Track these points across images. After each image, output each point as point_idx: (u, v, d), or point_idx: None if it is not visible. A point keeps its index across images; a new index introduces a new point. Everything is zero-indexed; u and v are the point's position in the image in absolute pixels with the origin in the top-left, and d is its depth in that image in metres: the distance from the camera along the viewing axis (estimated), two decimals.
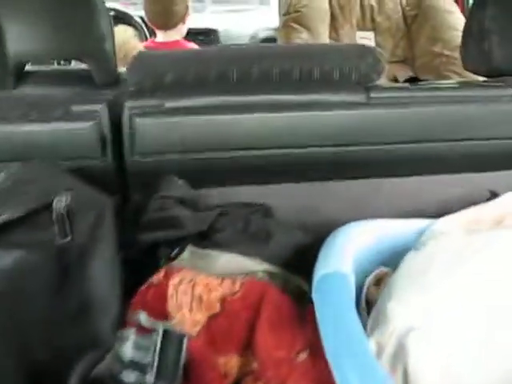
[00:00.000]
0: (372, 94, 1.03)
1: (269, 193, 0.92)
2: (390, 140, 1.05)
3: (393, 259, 0.79)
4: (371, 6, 1.81)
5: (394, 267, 0.76)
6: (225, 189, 0.93)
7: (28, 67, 1.55)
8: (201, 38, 3.28)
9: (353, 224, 0.84)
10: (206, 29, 3.30)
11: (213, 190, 0.93)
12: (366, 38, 1.82)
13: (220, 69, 1.01)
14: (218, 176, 0.98)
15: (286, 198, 0.92)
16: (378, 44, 1.81)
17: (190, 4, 2.80)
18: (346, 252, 0.76)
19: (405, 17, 1.82)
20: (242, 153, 1.00)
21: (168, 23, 2.58)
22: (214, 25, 3.40)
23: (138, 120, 0.99)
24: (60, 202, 0.73)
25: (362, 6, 1.81)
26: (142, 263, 0.81)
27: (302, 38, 1.68)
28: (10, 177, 0.81)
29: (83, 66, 1.31)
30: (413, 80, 1.77)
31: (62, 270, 0.71)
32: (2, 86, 1.45)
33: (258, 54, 1.07)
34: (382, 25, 1.81)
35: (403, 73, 1.79)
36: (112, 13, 3.07)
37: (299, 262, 0.80)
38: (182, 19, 2.59)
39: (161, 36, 2.63)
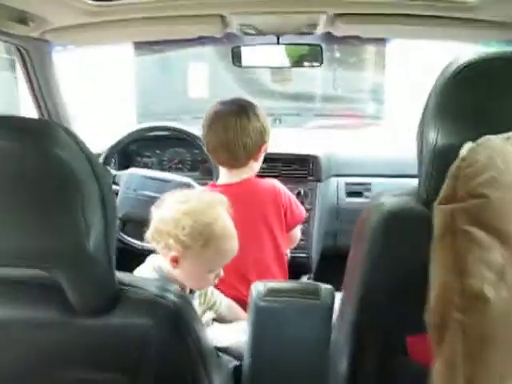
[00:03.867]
0: None
1: None
2: None
3: None
4: None
5: None
6: None
7: None
8: (295, 166, 2.42)
9: None
10: (301, 155, 2.44)
11: None
12: None
13: None
14: None
15: None
16: None
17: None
18: None
19: None
20: None
21: (233, 160, 1.77)
22: (313, 147, 2.53)
23: None
24: None
25: None
26: None
27: (489, 258, 0.72)
28: None
29: None
30: None
31: None
32: None
33: None
34: None
35: None
36: (167, 132, 2.31)
37: None
38: (254, 156, 1.78)
39: (225, 175, 1.81)
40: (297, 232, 1.98)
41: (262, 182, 1.86)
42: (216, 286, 1.81)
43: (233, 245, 1.44)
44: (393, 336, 1.10)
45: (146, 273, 1.43)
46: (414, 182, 2.36)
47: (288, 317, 1.27)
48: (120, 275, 0.97)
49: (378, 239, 1.10)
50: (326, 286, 1.32)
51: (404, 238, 1.08)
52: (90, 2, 1.51)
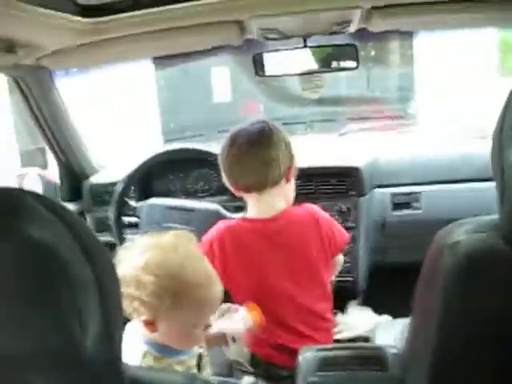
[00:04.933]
0: None
1: None
2: None
3: None
4: None
5: None
6: None
7: None
8: (333, 181, 2.16)
9: None
10: (340, 168, 2.18)
11: None
12: None
13: None
14: None
15: None
16: None
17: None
18: None
19: None
20: None
21: (260, 181, 1.54)
22: (351, 156, 2.29)
23: None
24: None
25: None
26: None
27: None
28: None
29: None
30: None
31: None
32: None
33: None
34: None
35: None
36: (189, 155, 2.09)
37: None
38: (284, 174, 1.56)
39: (253, 205, 1.60)
40: (339, 257, 1.74)
41: (299, 211, 1.62)
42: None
43: (212, 291, 1.19)
44: None
45: (135, 348, 1.20)
46: (469, 187, 2.17)
47: None
48: (133, 372, 0.75)
49: (454, 287, 0.90)
50: (393, 351, 1.08)
51: (486, 285, 0.88)
52: (83, 20, 1.30)
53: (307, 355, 1.08)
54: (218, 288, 1.20)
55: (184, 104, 5.18)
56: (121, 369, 0.72)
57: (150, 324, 1.16)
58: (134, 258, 1.17)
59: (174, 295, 1.13)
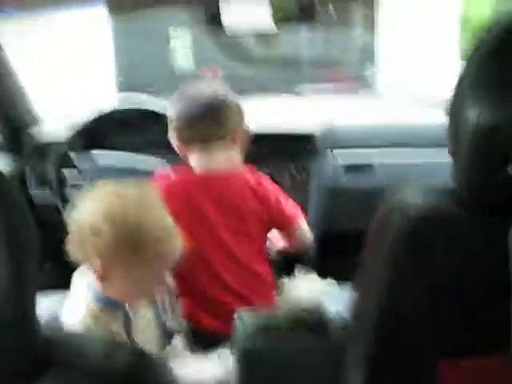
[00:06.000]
0: None
1: None
2: None
3: None
4: None
5: None
6: None
7: None
8: (286, 145, 2.14)
9: None
10: (294, 132, 2.15)
11: None
12: None
13: None
14: None
15: None
16: None
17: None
18: None
19: None
20: None
21: (206, 134, 1.54)
22: (306, 119, 2.25)
23: None
24: None
25: None
26: None
27: None
28: None
29: None
30: None
31: None
32: None
33: None
34: None
35: None
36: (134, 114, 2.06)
37: None
38: (231, 133, 1.55)
39: (195, 158, 1.57)
40: (303, 229, 1.71)
41: (245, 172, 1.62)
42: (182, 289, 1.55)
43: (172, 245, 1.16)
44: (419, 362, 0.89)
45: (79, 296, 1.17)
46: (424, 153, 2.15)
47: (285, 361, 1.00)
48: (48, 333, 0.70)
49: (403, 249, 0.88)
50: (336, 317, 1.05)
51: (437, 248, 0.86)
52: None
53: (243, 318, 1.04)
54: (177, 243, 1.16)
55: (141, 61, 5.07)
56: (34, 325, 0.67)
57: (101, 273, 1.13)
58: (94, 205, 1.12)
59: (136, 246, 1.10)
